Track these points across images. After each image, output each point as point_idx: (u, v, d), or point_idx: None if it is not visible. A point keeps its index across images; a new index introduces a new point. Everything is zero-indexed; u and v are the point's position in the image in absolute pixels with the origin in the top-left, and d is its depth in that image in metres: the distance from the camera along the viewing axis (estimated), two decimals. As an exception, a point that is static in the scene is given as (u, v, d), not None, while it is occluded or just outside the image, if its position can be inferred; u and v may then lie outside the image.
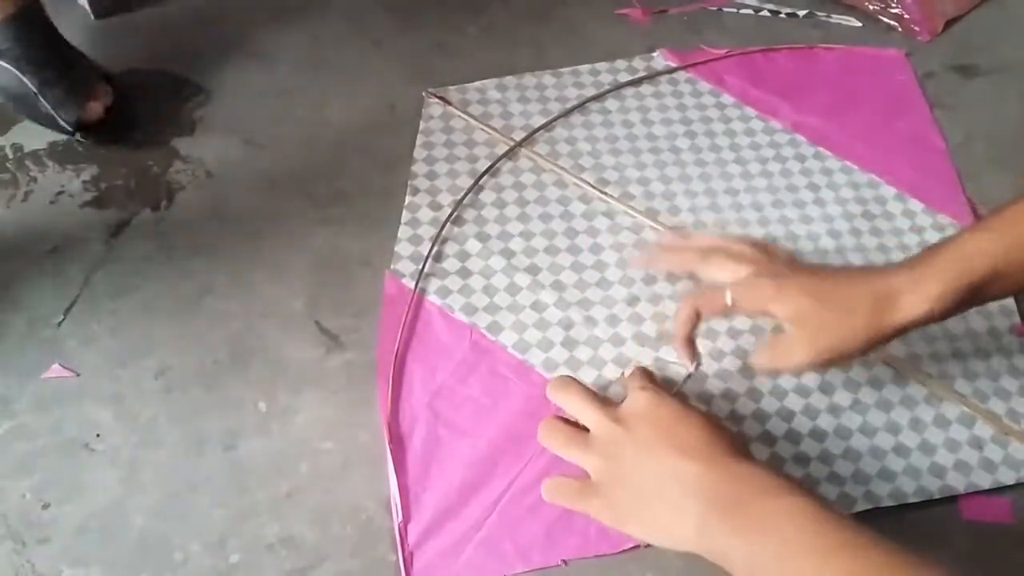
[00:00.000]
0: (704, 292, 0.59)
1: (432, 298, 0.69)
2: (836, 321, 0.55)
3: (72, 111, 0.75)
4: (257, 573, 0.56)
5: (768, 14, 0.95)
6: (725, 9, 0.95)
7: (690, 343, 0.62)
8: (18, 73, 0.74)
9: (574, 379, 0.58)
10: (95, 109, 0.77)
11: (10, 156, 0.76)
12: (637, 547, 0.58)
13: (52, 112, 0.75)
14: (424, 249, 0.71)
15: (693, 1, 0.95)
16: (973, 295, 0.54)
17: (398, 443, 0.61)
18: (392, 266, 0.70)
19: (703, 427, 0.52)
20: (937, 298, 0.54)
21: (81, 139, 0.77)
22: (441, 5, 0.93)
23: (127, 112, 0.80)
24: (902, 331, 0.55)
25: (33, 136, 0.77)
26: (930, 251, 0.56)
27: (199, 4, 0.90)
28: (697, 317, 0.59)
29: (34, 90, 0.74)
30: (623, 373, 0.65)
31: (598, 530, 0.58)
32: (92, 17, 0.87)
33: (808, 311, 0.55)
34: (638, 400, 0.54)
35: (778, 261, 0.59)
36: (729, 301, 0.57)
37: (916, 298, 0.54)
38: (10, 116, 0.78)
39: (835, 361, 0.57)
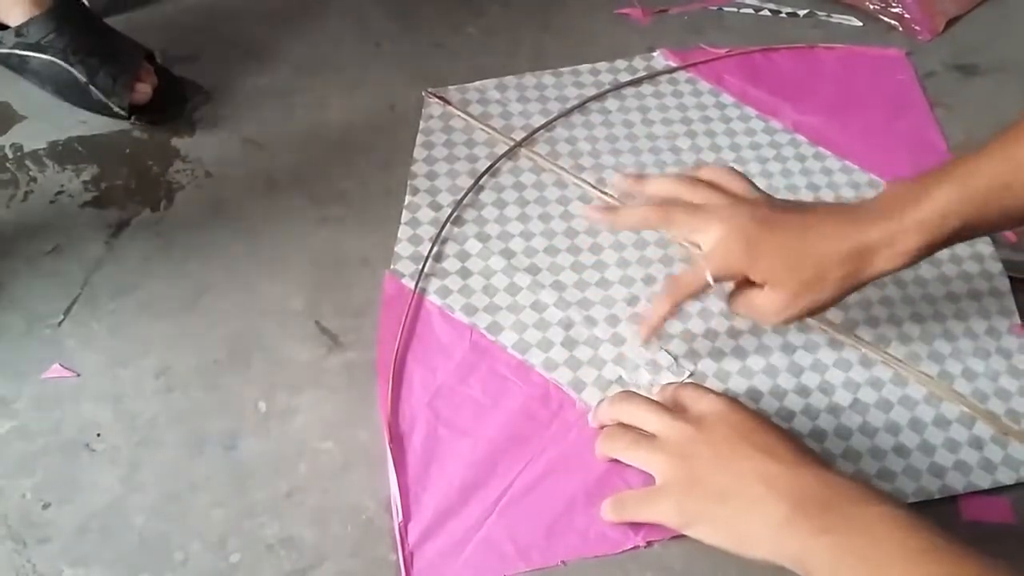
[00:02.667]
0: (681, 278, 0.60)
1: (432, 298, 0.68)
2: (813, 282, 0.56)
3: (123, 95, 0.76)
4: (257, 573, 0.56)
5: (768, 14, 0.95)
6: (725, 8, 0.95)
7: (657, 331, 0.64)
8: (65, 64, 0.75)
9: (633, 392, 0.59)
10: (144, 90, 0.78)
11: (10, 156, 0.76)
12: (636, 548, 0.57)
13: (104, 99, 0.76)
14: (424, 249, 0.71)
15: (693, 1, 0.95)
16: (944, 245, 0.56)
17: (398, 443, 0.61)
18: (392, 266, 0.70)
19: (784, 434, 0.52)
20: (913, 253, 0.55)
21: (136, 122, 0.78)
22: (441, 5, 0.93)
23: (173, 88, 0.81)
24: (874, 279, 0.57)
25: (33, 136, 0.77)
26: (903, 203, 0.55)
27: (198, 4, 0.90)
28: (676, 310, 0.62)
29: (84, 79, 0.75)
30: (651, 385, 0.65)
31: (597, 531, 0.58)
32: (92, 17, 0.87)
33: (784, 276, 0.57)
34: (712, 403, 0.55)
35: (742, 204, 0.59)
36: (711, 280, 0.58)
37: (892, 252, 0.55)
38: (10, 116, 0.78)
39: (811, 315, 0.59)
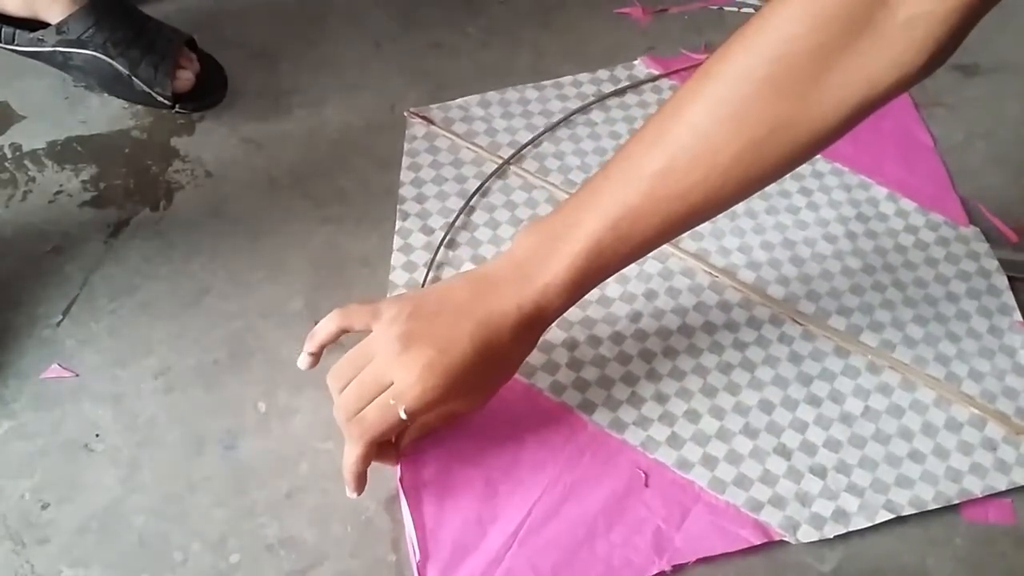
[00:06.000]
0: (368, 416, 0.53)
1: None
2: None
3: (166, 84, 0.77)
4: (257, 573, 0.56)
5: (768, 14, 0.94)
6: (726, 8, 0.95)
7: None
8: (107, 58, 0.76)
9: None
10: (186, 78, 0.78)
11: (9, 156, 0.76)
12: (663, 573, 0.57)
13: (147, 89, 0.77)
14: (419, 276, 0.70)
15: (693, 0, 0.95)
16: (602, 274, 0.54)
17: (410, 480, 0.59)
18: (388, 295, 0.68)
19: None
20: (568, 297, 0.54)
21: (181, 110, 0.79)
22: (441, 5, 0.92)
23: (216, 73, 0.81)
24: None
25: (32, 136, 0.77)
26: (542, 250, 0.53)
27: (198, 4, 0.90)
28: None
29: (126, 72, 0.76)
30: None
31: (621, 557, 0.57)
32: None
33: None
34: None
35: (384, 341, 0.54)
36: (403, 415, 0.52)
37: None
38: (9, 115, 0.78)
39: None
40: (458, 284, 0.55)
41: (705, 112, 0.49)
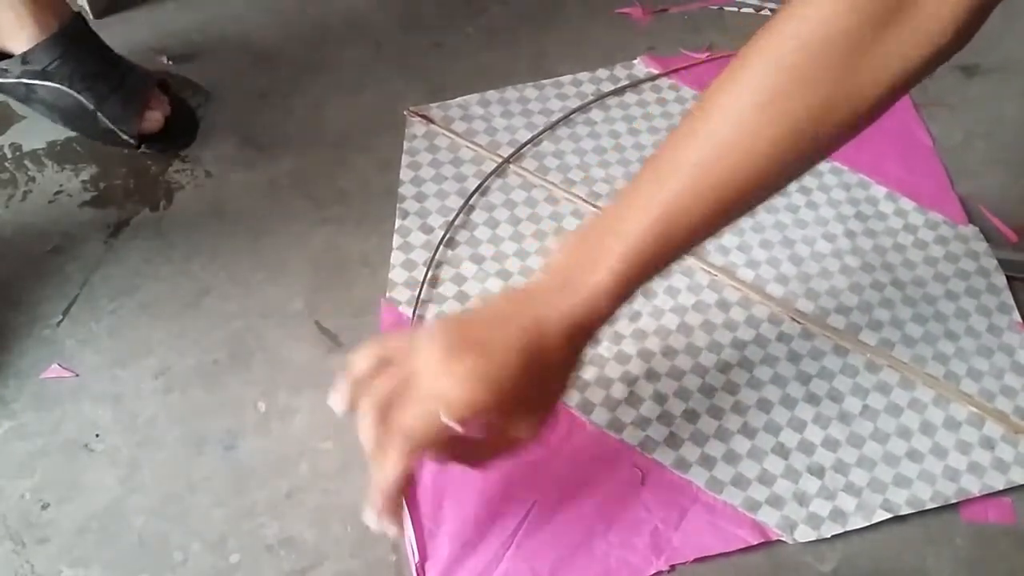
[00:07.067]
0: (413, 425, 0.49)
1: None
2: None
3: (132, 123, 0.74)
4: (257, 573, 0.56)
5: (769, 13, 0.94)
6: (726, 8, 0.94)
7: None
8: (72, 92, 0.72)
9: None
10: (154, 118, 0.75)
11: (9, 156, 0.76)
12: (660, 573, 0.57)
13: (112, 127, 0.74)
14: (419, 275, 0.70)
15: (693, 0, 0.95)
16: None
17: (409, 482, 0.59)
18: (387, 293, 0.69)
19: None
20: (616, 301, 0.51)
21: (146, 150, 0.76)
22: (441, 5, 0.92)
23: (186, 116, 0.79)
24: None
25: (32, 136, 0.77)
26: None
27: (198, 4, 0.90)
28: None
29: (91, 107, 0.73)
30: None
31: (619, 558, 0.57)
32: (91, 16, 0.87)
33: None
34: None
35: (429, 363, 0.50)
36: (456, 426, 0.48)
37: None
38: (9, 115, 0.78)
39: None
40: (499, 298, 0.54)
41: (740, 100, 0.48)
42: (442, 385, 0.48)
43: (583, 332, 0.51)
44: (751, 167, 0.48)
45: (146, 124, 0.75)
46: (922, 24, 0.45)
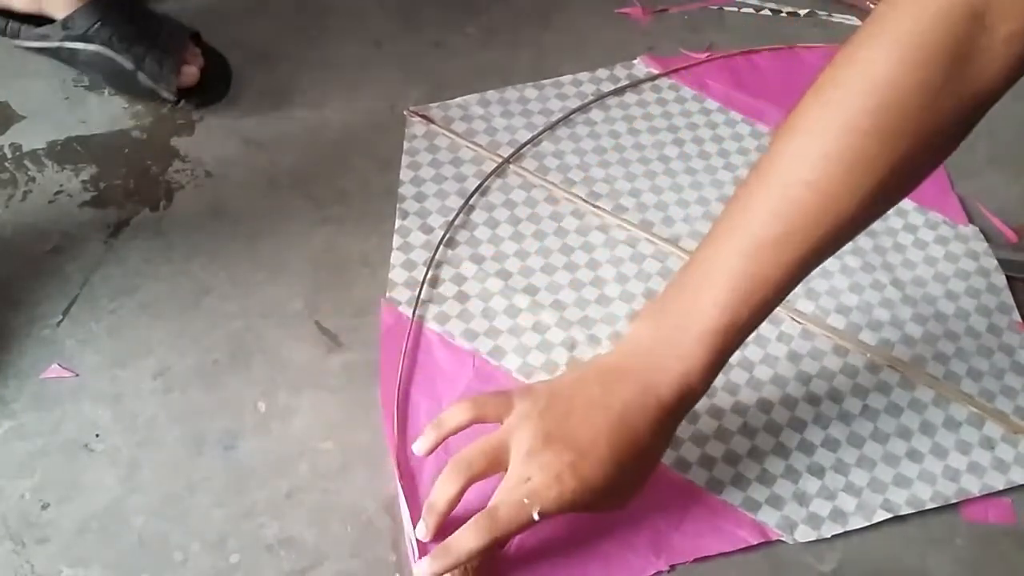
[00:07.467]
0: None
1: (431, 325, 0.67)
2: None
3: (171, 80, 0.77)
4: (257, 573, 0.56)
5: (769, 13, 0.95)
6: (726, 8, 0.95)
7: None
8: (112, 54, 0.76)
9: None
10: (191, 72, 0.78)
11: (8, 156, 0.76)
12: (660, 573, 0.57)
13: (152, 85, 0.77)
14: (419, 274, 0.69)
15: (693, 0, 0.95)
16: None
17: (408, 480, 0.59)
18: (387, 293, 0.69)
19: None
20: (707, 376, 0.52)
21: (185, 105, 0.79)
22: (441, 5, 0.92)
23: (220, 67, 0.81)
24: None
25: (32, 135, 0.77)
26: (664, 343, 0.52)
27: (198, 4, 0.90)
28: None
29: (132, 67, 0.76)
30: None
31: (619, 557, 0.57)
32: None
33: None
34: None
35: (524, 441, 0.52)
36: (536, 516, 0.50)
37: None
38: (9, 115, 0.78)
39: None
40: (589, 376, 0.54)
41: (815, 171, 0.48)
42: (535, 479, 0.50)
43: (677, 413, 0.52)
44: (837, 231, 0.49)
45: (183, 79, 0.78)
46: (994, 63, 0.46)
